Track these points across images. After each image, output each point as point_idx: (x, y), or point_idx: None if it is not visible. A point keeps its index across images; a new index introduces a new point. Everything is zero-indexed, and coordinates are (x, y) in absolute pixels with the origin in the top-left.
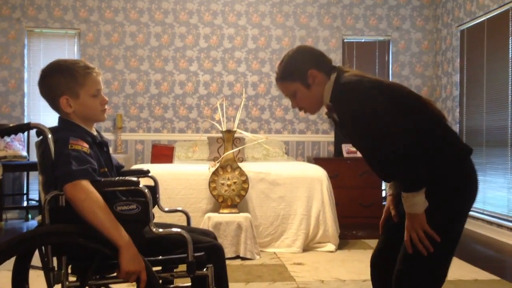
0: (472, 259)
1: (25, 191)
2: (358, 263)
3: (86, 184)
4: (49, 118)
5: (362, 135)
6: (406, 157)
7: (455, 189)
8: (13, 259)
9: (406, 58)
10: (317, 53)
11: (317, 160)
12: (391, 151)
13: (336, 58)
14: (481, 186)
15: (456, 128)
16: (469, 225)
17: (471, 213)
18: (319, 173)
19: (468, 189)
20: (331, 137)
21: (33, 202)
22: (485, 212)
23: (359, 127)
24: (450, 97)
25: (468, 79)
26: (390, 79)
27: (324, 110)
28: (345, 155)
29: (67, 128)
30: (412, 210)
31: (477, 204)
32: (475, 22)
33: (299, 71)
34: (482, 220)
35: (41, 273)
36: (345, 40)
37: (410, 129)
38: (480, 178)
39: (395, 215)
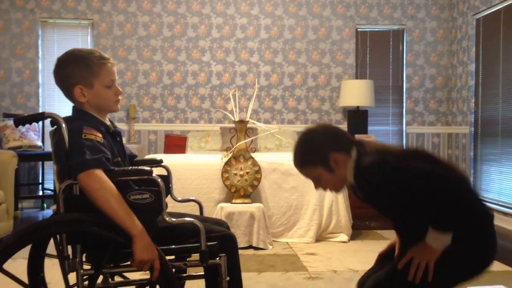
0: None
1: (40, 181)
2: (371, 253)
3: (99, 173)
4: (64, 108)
5: (396, 205)
6: (448, 200)
7: (474, 253)
8: (28, 248)
9: (421, 47)
10: (334, 132)
11: None
12: (434, 198)
13: (349, 48)
14: (496, 177)
15: (471, 118)
16: None
17: (486, 204)
18: None
19: (485, 257)
20: (344, 127)
21: (48, 192)
22: (501, 203)
23: (392, 201)
24: (465, 86)
25: (483, 69)
26: (404, 69)
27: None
28: None
29: (80, 117)
30: (432, 243)
31: (492, 195)
32: (491, 11)
33: (320, 156)
34: (497, 211)
35: (56, 262)
36: (358, 30)
37: (448, 177)
38: (495, 168)
39: (397, 255)
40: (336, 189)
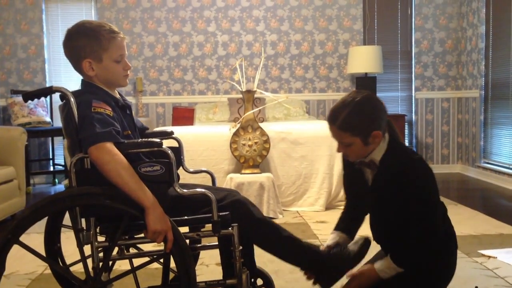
0: (497, 213)
1: (50, 156)
2: None
3: (110, 146)
4: (71, 83)
5: (399, 211)
6: (427, 245)
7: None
8: (43, 222)
9: (430, 10)
10: (382, 110)
11: None
12: (423, 233)
13: (356, 13)
14: (507, 140)
15: (481, 81)
16: (495, 180)
17: (497, 167)
18: None
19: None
20: None
21: (59, 167)
22: (511, 167)
23: (403, 203)
24: (476, 49)
25: (494, 30)
26: (413, 33)
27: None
28: None
29: (89, 91)
30: (381, 274)
31: (503, 159)
32: None
33: (364, 129)
34: (508, 174)
35: (71, 234)
36: None
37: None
38: (506, 131)
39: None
40: (356, 159)
